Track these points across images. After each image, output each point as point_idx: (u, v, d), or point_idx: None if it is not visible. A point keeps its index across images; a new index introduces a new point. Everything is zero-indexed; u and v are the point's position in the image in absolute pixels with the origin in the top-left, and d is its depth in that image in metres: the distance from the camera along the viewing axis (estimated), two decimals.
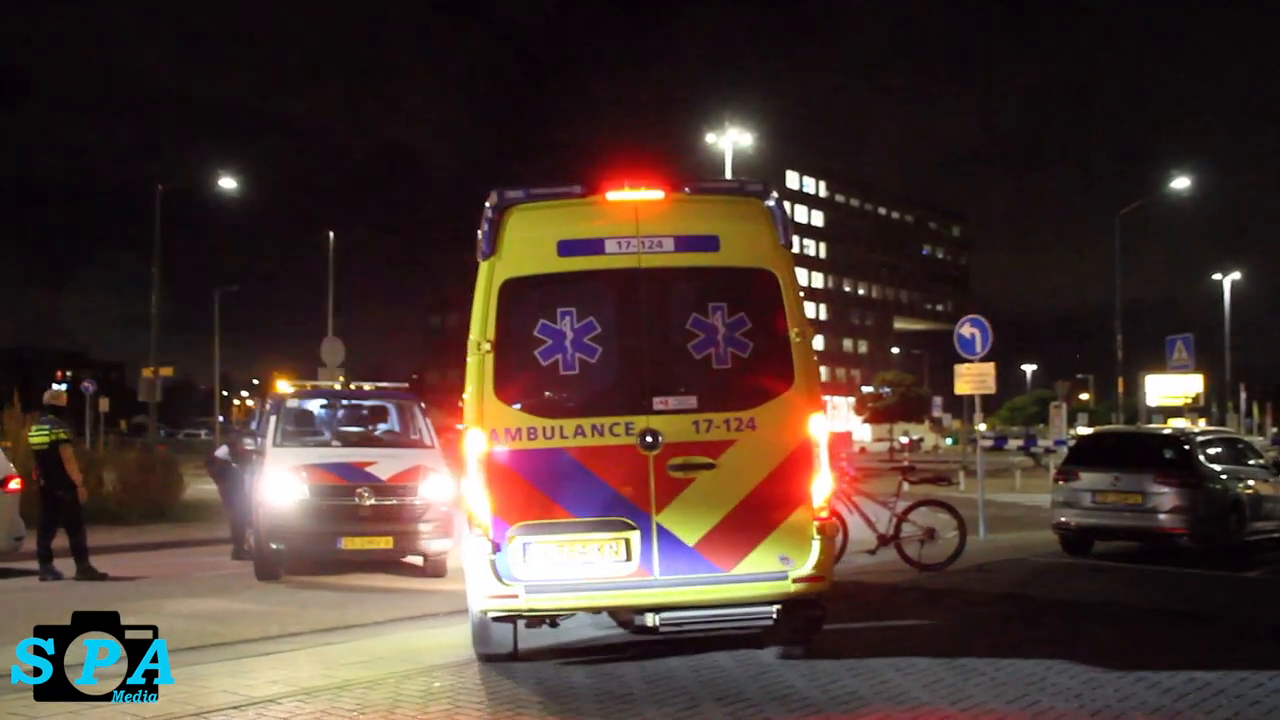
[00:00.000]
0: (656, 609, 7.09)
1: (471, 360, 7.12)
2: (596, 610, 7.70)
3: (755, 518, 7.06)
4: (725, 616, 7.25)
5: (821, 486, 7.16)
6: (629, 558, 6.96)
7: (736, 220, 7.41)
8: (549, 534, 6.97)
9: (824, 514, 7.16)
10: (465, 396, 7.23)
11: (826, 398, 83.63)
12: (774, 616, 7.27)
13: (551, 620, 7.65)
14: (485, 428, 7.04)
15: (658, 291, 7.24)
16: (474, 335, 7.13)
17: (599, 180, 7.37)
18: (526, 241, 7.23)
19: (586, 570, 6.98)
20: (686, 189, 7.51)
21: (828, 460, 7.22)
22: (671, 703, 6.67)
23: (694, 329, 7.22)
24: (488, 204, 7.30)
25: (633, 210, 7.28)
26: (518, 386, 7.12)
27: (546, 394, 7.19)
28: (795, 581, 7.08)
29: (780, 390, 7.22)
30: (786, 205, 7.70)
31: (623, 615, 7.75)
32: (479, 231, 7.30)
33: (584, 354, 7.16)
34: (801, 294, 7.53)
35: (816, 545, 7.10)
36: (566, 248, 7.24)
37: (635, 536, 6.96)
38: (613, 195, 7.32)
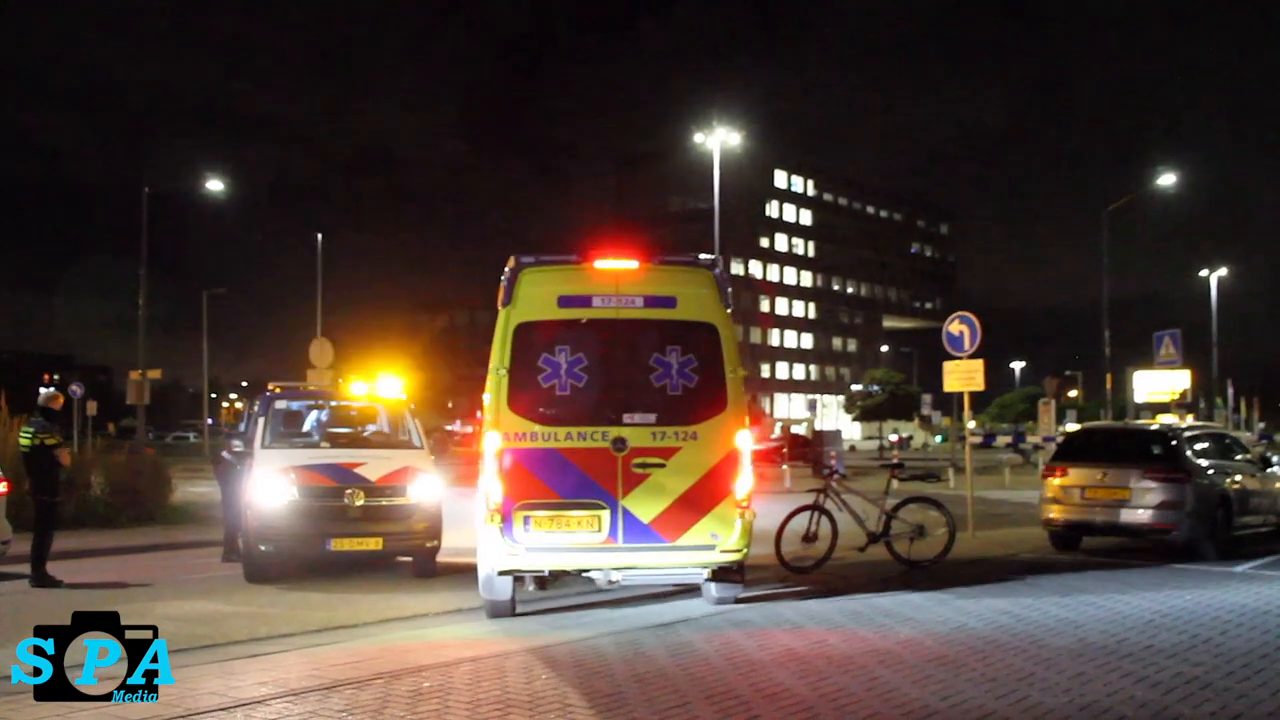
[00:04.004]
0: (619, 569, 9.45)
1: (491, 381, 9.33)
2: (576, 570, 9.71)
3: (694, 504, 9.31)
4: (669, 576, 9.96)
5: (744, 484, 9.42)
6: (600, 529, 9.23)
7: (690, 285, 9.71)
8: (543, 510, 9.23)
9: (745, 503, 9.41)
10: (485, 407, 9.43)
11: (816, 396, 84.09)
12: (705, 576, 9.86)
13: (542, 582, 10.01)
14: (500, 431, 9.24)
15: (629, 336, 9.53)
16: (493, 363, 9.33)
17: (590, 251, 9.67)
18: (535, 296, 9.47)
19: (569, 537, 9.25)
20: (655, 261, 9.81)
21: (750, 464, 9.48)
22: (662, 702, 6.68)
23: (655, 365, 9.49)
24: (507, 266, 9.49)
25: (614, 276, 9.59)
26: (525, 402, 9.31)
27: (545, 408, 9.33)
28: (722, 552, 9.40)
29: (717, 412, 9.47)
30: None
31: (593, 573, 9.77)
32: (500, 285, 9.45)
33: (574, 380, 9.40)
34: (738, 341, 9.78)
35: (738, 526, 9.38)
36: (564, 301, 9.51)
37: (605, 514, 9.23)
38: (600, 264, 9.61)
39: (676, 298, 9.61)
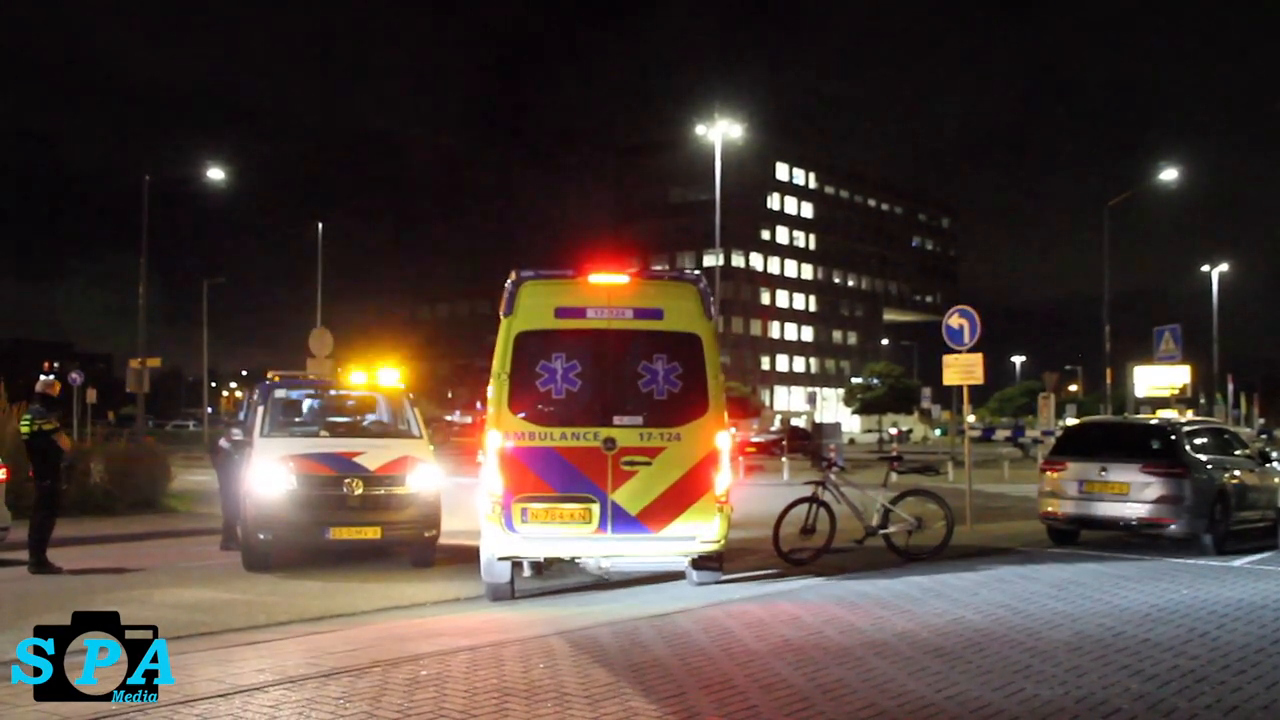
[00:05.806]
0: (608, 557, 10.40)
1: (493, 384, 10.11)
2: (569, 557, 10.65)
3: (677, 499, 10.05)
4: (653, 563, 10.84)
5: (723, 481, 10.17)
6: (591, 521, 9.95)
7: (676, 298, 10.45)
8: (540, 503, 9.96)
9: (724, 499, 10.17)
10: (488, 408, 10.19)
11: (816, 389, 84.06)
12: (686, 565, 10.80)
13: (538, 568, 11.22)
14: (501, 430, 10.01)
15: (620, 345, 10.24)
16: (496, 368, 10.11)
17: (585, 265, 10.41)
18: (534, 307, 10.21)
19: (563, 528, 9.99)
20: (644, 275, 10.69)
21: (729, 463, 10.27)
22: (659, 692, 6.69)
23: (643, 371, 10.24)
24: (509, 280, 10.27)
25: (606, 289, 10.34)
26: (524, 404, 10.08)
27: (542, 410, 10.09)
28: (702, 543, 10.21)
29: (698, 415, 10.21)
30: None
31: (584, 560, 10.76)
32: (503, 297, 10.21)
33: (569, 384, 10.15)
34: (719, 350, 10.59)
35: (717, 519, 10.14)
36: (560, 312, 10.25)
37: (596, 507, 9.95)
38: (593, 278, 10.36)
39: (663, 310, 10.35)
